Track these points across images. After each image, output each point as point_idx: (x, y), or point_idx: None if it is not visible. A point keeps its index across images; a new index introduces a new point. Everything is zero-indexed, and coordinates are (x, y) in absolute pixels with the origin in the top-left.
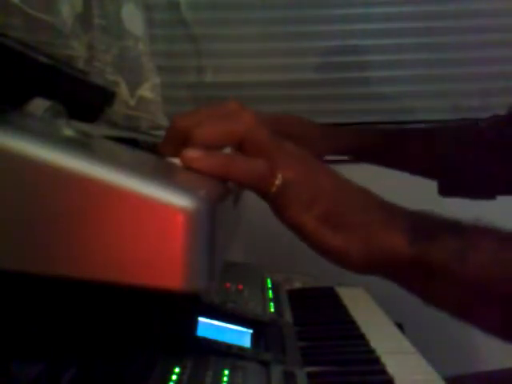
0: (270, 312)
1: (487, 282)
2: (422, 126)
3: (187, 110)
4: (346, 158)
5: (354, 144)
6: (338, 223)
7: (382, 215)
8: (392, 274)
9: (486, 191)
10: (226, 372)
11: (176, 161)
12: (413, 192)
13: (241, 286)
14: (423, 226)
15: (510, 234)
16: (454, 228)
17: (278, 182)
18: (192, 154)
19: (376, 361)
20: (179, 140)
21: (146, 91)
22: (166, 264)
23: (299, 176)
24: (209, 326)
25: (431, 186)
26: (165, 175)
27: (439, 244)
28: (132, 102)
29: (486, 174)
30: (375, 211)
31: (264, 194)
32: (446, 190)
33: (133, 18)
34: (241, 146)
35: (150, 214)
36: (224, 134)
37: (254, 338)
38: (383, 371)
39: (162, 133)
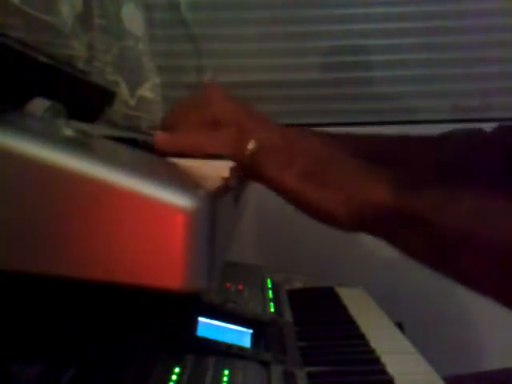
0: (270, 312)
1: (465, 233)
2: (423, 125)
3: (168, 111)
4: None
5: (354, 152)
6: (318, 180)
7: (362, 170)
8: (375, 227)
9: None
10: (226, 372)
11: (176, 161)
12: None
13: (241, 286)
14: (404, 178)
15: (489, 187)
16: (436, 181)
17: (250, 145)
18: (162, 136)
19: (376, 361)
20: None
21: (146, 91)
22: (166, 264)
23: (273, 138)
24: (209, 326)
25: None
26: (165, 175)
27: (421, 194)
28: (132, 102)
29: (485, 180)
30: (355, 167)
31: (239, 159)
32: None
33: (133, 18)
34: (217, 128)
35: (150, 214)
36: (200, 121)
37: (254, 338)
38: (383, 371)
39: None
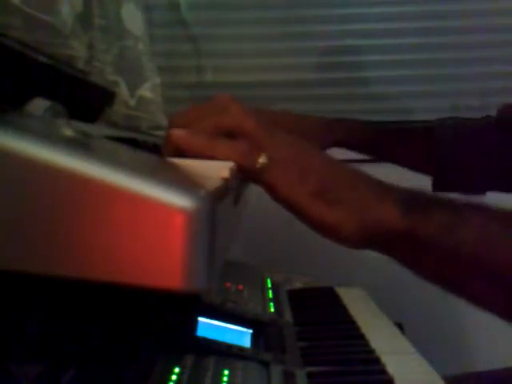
0: (270, 312)
1: (475, 257)
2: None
3: (181, 110)
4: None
5: (355, 137)
6: (331, 198)
7: (374, 190)
8: (385, 247)
9: (477, 187)
10: (226, 372)
11: (176, 161)
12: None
13: (241, 286)
14: (416, 199)
15: (498, 211)
16: (446, 203)
17: (261, 160)
18: (179, 132)
19: (376, 361)
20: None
21: (145, 91)
22: (166, 264)
23: (286, 155)
24: (209, 326)
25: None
26: (165, 175)
27: (430, 217)
28: (132, 102)
29: (479, 171)
30: (367, 186)
31: (248, 171)
32: (440, 186)
33: (133, 18)
34: (232, 136)
35: (150, 214)
36: (215, 128)
37: (254, 338)
38: (383, 371)
39: (162, 133)
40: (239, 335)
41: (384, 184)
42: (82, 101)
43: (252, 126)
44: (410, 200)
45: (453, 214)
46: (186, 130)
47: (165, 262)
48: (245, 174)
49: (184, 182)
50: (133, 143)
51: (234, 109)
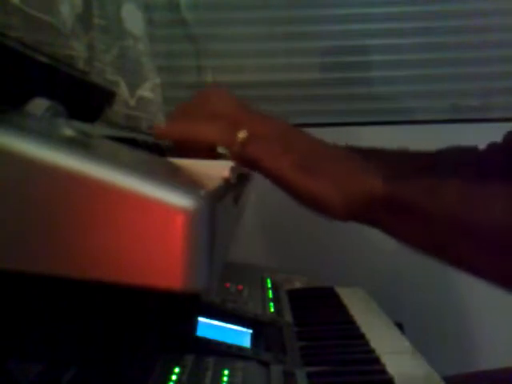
0: (270, 312)
1: (458, 218)
2: (423, 125)
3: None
4: None
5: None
6: (314, 169)
7: (355, 162)
8: (369, 216)
9: None
10: (226, 372)
11: (176, 161)
12: None
13: (241, 286)
14: (395, 167)
15: (475, 174)
16: (426, 169)
17: (241, 134)
18: (159, 126)
19: (376, 361)
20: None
21: (145, 91)
22: (166, 264)
23: (267, 130)
24: (209, 326)
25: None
26: (165, 175)
27: (411, 182)
28: (132, 102)
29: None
30: (349, 158)
31: (230, 148)
32: None
33: (133, 18)
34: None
35: (150, 214)
36: (198, 114)
37: (254, 338)
38: (383, 371)
39: None
40: (239, 335)
41: (365, 155)
42: (82, 101)
43: (231, 107)
44: (390, 167)
45: (433, 178)
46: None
47: (165, 261)
48: (228, 154)
49: (184, 182)
50: (133, 143)
51: (215, 95)
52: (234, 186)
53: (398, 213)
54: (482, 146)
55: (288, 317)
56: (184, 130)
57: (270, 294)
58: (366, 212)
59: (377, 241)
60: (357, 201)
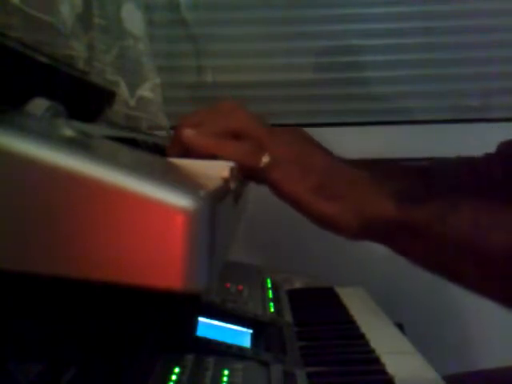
0: (270, 312)
1: (467, 244)
2: (423, 125)
3: (189, 113)
4: None
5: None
6: (330, 194)
7: (370, 185)
8: (381, 237)
9: None
10: (226, 372)
11: (176, 161)
12: None
13: (241, 286)
14: (408, 191)
15: (488, 199)
16: (438, 194)
17: (265, 159)
18: (189, 131)
19: (376, 361)
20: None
21: (145, 91)
22: (166, 264)
23: (288, 154)
24: (209, 326)
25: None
26: (165, 175)
27: (423, 207)
28: (132, 102)
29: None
30: (364, 182)
31: (253, 170)
32: None
33: (133, 18)
34: (238, 139)
35: (150, 214)
36: (221, 129)
37: (254, 338)
38: (383, 371)
39: (162, 133)
40: (239, 335)
41: (379, 179)
42: (82, 101)
43: (255, 128)
44: (403, 191)
45: (444, 203)
46: (196, 129)
47: (165, 261)
48: (250, 173)
49: (184, 182)
50: (133, 143)
51: (240, 112)
52: (233, 187)
53: (410, 236)
54: (481, 146)
55: (288, 317)
56: (212, 145)
57: (270, 294)
58: (378, 233)
59: None
60: (371, 224)
